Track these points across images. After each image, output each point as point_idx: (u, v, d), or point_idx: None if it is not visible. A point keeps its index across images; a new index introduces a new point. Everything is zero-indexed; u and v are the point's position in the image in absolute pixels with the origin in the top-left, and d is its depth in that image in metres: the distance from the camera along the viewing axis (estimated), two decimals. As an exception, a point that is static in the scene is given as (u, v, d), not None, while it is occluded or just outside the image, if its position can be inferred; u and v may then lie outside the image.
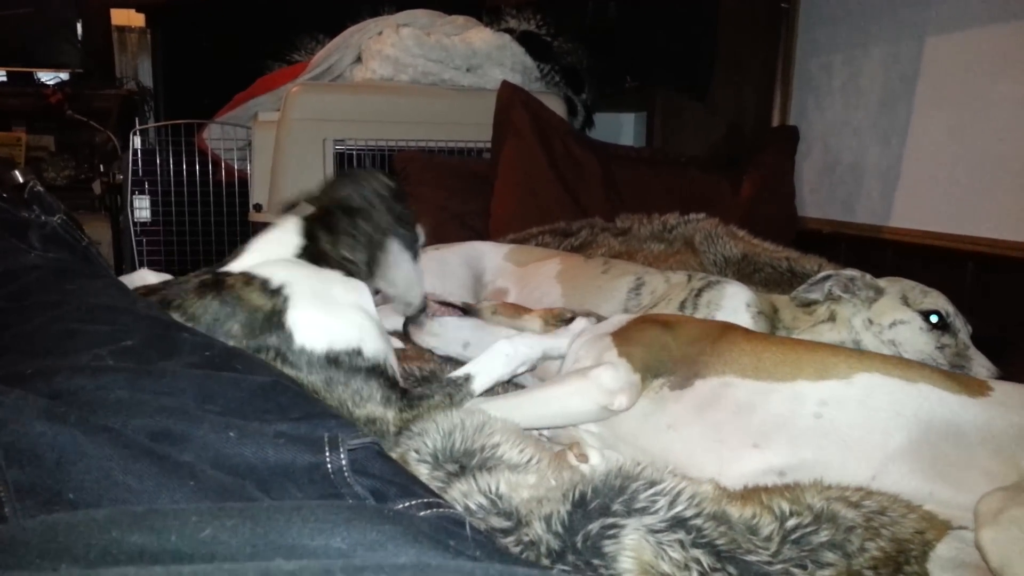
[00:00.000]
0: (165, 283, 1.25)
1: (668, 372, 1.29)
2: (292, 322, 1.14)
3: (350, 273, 1.28)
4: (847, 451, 1.13)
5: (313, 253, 1.27)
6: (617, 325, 1.42)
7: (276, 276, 1.18)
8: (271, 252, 1.26)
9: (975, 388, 1.18)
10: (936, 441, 1.12)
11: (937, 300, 1.61)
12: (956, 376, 1.24)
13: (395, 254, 1.38)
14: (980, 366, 1.56)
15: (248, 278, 1.17)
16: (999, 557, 0.93)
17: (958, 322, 1.60)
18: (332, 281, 1.24)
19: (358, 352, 1.16)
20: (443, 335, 1.59)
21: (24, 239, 1.17)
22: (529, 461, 1.12)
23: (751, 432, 1.18)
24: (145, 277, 1.59)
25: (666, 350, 1.31)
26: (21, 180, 1.36)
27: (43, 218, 1.22)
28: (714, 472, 1.16)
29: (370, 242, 1.33)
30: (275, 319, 1.14)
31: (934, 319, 1.58)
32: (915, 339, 1.58)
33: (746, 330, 1.39)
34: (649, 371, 1.29)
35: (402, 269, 1.40)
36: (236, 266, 1.23)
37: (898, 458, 1.11)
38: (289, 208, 1.38)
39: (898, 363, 1.23)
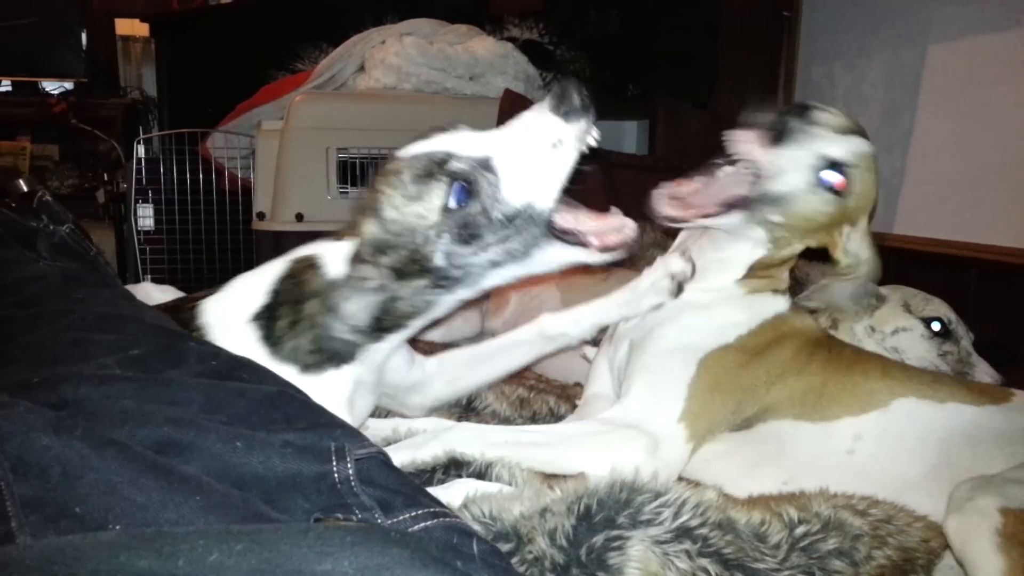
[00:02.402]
0: None
1: (738, 424, 1.23)
2: None
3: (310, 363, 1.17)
4: (869, 483, 1.14)
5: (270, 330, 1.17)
6: (718, 340, 1.26)
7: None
8: (239, 311, 1.18)
9: (999, 396, 1.21)
10: (956, 461, 1.13)
11: (939, 307, 1.61)
12: (981, 387, 1.25)
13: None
14: (983, 373, 1.56)
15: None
16: (960, 543, 0.95)
17: (960, 329, 1.60)
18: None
19: None
20: None
21: (32, 248, 1.18)
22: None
23: (782, 471, 1.18)
24: (149, 293, 1.57)
25: (754, 394, 1.22)
26: (25, 189, 1.36)
27: (51, 227, 1.23)
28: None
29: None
30: None
31: (936, 326, 1.58)
32: (917, 346, 1.58)
33: (828, 348, 1.30)
34: (716, 429, 1.21)
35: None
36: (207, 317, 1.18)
37: (916, 485, 1.13)
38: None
39: (931, 382, 1.23)
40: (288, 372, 1.12)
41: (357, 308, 1.14)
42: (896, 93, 2.73)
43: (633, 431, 1.15)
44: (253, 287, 1.20)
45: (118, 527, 0.71)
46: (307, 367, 1.16)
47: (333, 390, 1.16)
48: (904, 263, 2.63)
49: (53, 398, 0.86)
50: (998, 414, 1.16)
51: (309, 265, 1.18)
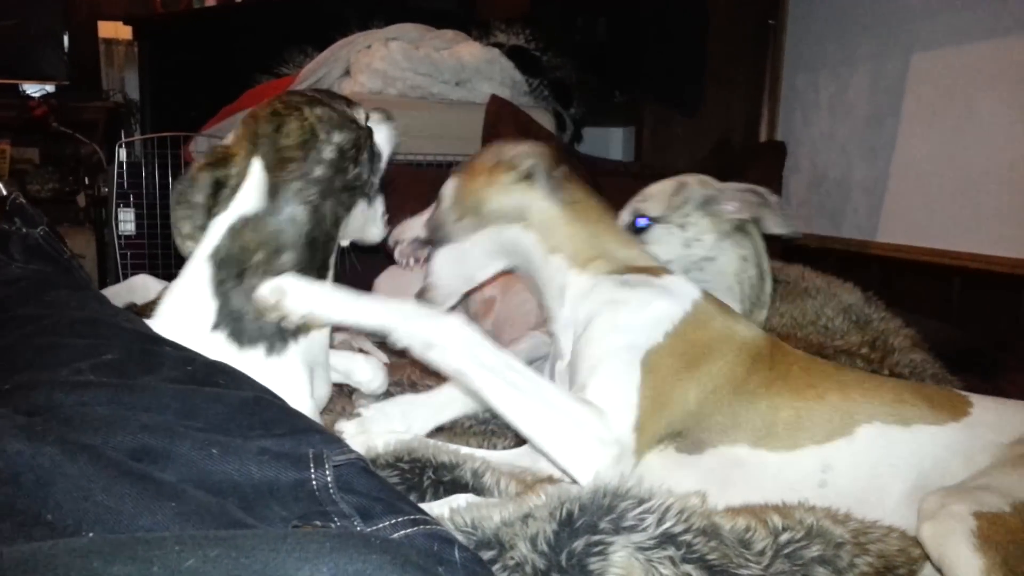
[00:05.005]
0: None
1: (676, 437, 1.21)
2: None
3: (275, 339, 1.17)
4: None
5: (232, 319, 1.15)
6: (653, 343, 1.22)
7: None
8: (188, 321, 1.15)
9: (958, 409, 1.19)
10: (927, 484, 1.12)
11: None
12: (940, 400, 1.22)
13: (356, 216, 1.32)
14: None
15: None
16: (937, 549, 0.95)
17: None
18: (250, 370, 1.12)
19: None
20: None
21: (5, 251, 1.17)
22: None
23: (752, 500, 1.16)
24: (147, 284, 1.58)
25: (684, 406, 1.20)
26: (4, 193, 1.35)
27: (24, 230, 1.21)
28: None
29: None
30: None
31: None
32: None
33: (770, 365, 1.26)
34: (654, 440, 1.19)
35: (356, 223, 1.33)
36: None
37: (892, 512, 1.12)
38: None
39: (892, 401, 1.20)
40: (256, 356, 1.14)
41: (292, 230, 1.20)
42: (880, 101, 2.75)
43: (605, 434, 1.13)
44: (196, 290, 1.17)
45: (91, 534, 0.70)
46: (271, 345, 1.16)
47: (296, 372, 1.17)
48: (887, 271, 2.64)
49: (25, 405, 0.85)
50: (959, 431, 1.16)
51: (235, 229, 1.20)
